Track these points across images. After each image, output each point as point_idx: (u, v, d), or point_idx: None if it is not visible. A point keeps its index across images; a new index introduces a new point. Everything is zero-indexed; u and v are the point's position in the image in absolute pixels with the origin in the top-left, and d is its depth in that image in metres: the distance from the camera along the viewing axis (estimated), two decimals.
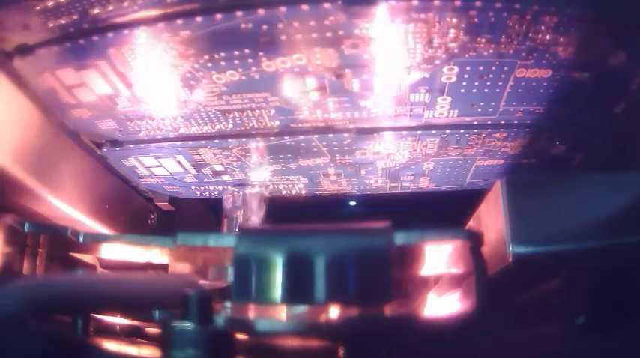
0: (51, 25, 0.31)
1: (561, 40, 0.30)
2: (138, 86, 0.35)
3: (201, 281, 0.30)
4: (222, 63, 0.32)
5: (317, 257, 0.26)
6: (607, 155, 0.38)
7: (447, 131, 0.38)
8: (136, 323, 0.33)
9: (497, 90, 0.33)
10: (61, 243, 0.32)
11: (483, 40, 0.30)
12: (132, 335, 0.33)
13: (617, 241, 0.25)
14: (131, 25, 0.30)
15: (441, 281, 0.33)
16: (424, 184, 0.47)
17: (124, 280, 0.28)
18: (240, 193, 0.48)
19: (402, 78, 0.33)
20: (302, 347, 0.30)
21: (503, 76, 0.32)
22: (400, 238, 0.27)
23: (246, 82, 0.33)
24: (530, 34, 0.29)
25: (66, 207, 0.38)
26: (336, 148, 0.41)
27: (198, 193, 0.50)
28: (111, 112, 0.38)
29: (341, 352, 0.28)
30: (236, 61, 0.32)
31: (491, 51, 0.30)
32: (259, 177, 0.46)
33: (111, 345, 0.30)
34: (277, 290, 0.26)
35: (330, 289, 0.26)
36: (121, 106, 0.37)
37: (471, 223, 0.31)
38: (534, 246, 0.25)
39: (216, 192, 0.50)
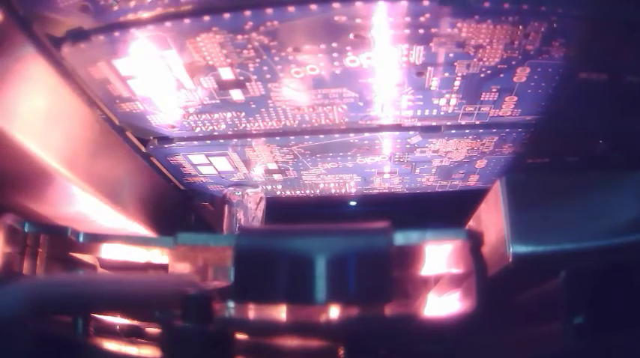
0: (116, 7, 0.28)
1: (623, 45, 0.31)
2: (207, 78, 0.33)
3: (202, 282, 0.30)
4: (305, 56, 0.31)
5: (317, 257, 0.26)
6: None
7: (507, 130, 0.39)
8: (136, 323, 0.33)
9: (560, 91, 0.35)
10: (61, 243, 0.32)
11: (557, 44, 0.31)
12: (132, 335, 0.33)
13: (617, 241, 0.25)
14: (212, 11, 0.28)
15: (441, 281, 0.33)
16: (471, 182, 0.47)
17: (124, 280, 0.28)
18: (240, 193, 0.48)
19: (479, 77, 0.33)
20: (302, 347, 0.30)
21: (567, 77, 0.33)
22: (400, 238, 0.27)
23: (324, 77, 0.33)
24: (596, 40, 0.30)
25: (102, 205, 0.36)
26: (398, 146, 0.41)
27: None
28: (168, 106, 0.36)
29: (341, 352, 0.28)
30: (320, 55, 0.31)
31: (561, 54, 0.31)
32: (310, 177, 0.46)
33: (111, 345, 0.30)
34: (277, 290, 0.26)
35: (330, 289, 0.26)
36: (182, 100, 0.35)
37: (471, 223, 0.31)
38: (534, 246, 0.25)
39: (263, 193, 0.49)
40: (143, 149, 0.41)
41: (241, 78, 0.33)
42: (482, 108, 0.36)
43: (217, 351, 0.24)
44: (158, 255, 0.32)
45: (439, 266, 0.31)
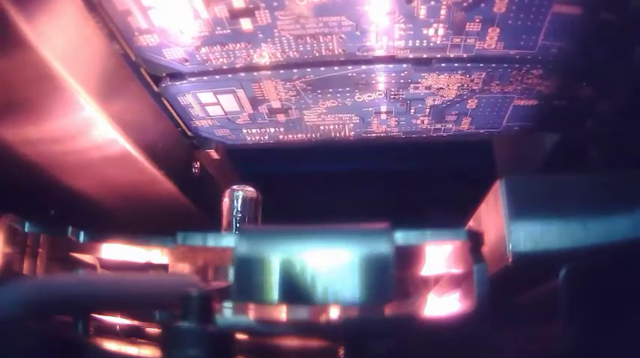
0: None
1: None
2: (220, 7, 0.34)
3: (201, 282, 0.30)
4: None
5: (317, 257, 0.27)
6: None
7: (493, 65, 0.40)
8: (136, 323, 0.33)
9: (538, 24, 0.35)
10: (61, 243, 0.32)
11: None
12: (132, 335, 0.33)
13: (617, 241, 0.25)
14: None
15: (441, 281, 0.33)
16: (464, 126, 0.48)
17: (124, 280, 0.28)
18: (239, 193, 0.48)
19: (462, 6, 0.34)
20: (302, 347, 0.30)
21: (543, 9, 0.34)
22: (400, 238, 0.27)
23: (325, 4, 0.34)
24: None
25: (107, 125, 0.36)
26: (393, 81, 0.42)
27: (249, 138, 0.50)
28: (183, 37, 0.37)
29: (341, 352, 0.28)
30: None
31: None
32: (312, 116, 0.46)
33: (111, 345, 0.30)
34: (277, 290, 0.26)
35: (330, 289, 0.26)
36: (196, 30, 0.37)
37: (471, 223, 0.31)
38: (534, 246, 0.25)
39: (266, 136, 0.50)
40: (155, 88, 0.42)
41: (251, 6, 0.34)
42: (468, 40, 0.37)
43: (217, 351, 0.24)
44: (158, 255, 0.32)
45: (439, 266, 0.31)
